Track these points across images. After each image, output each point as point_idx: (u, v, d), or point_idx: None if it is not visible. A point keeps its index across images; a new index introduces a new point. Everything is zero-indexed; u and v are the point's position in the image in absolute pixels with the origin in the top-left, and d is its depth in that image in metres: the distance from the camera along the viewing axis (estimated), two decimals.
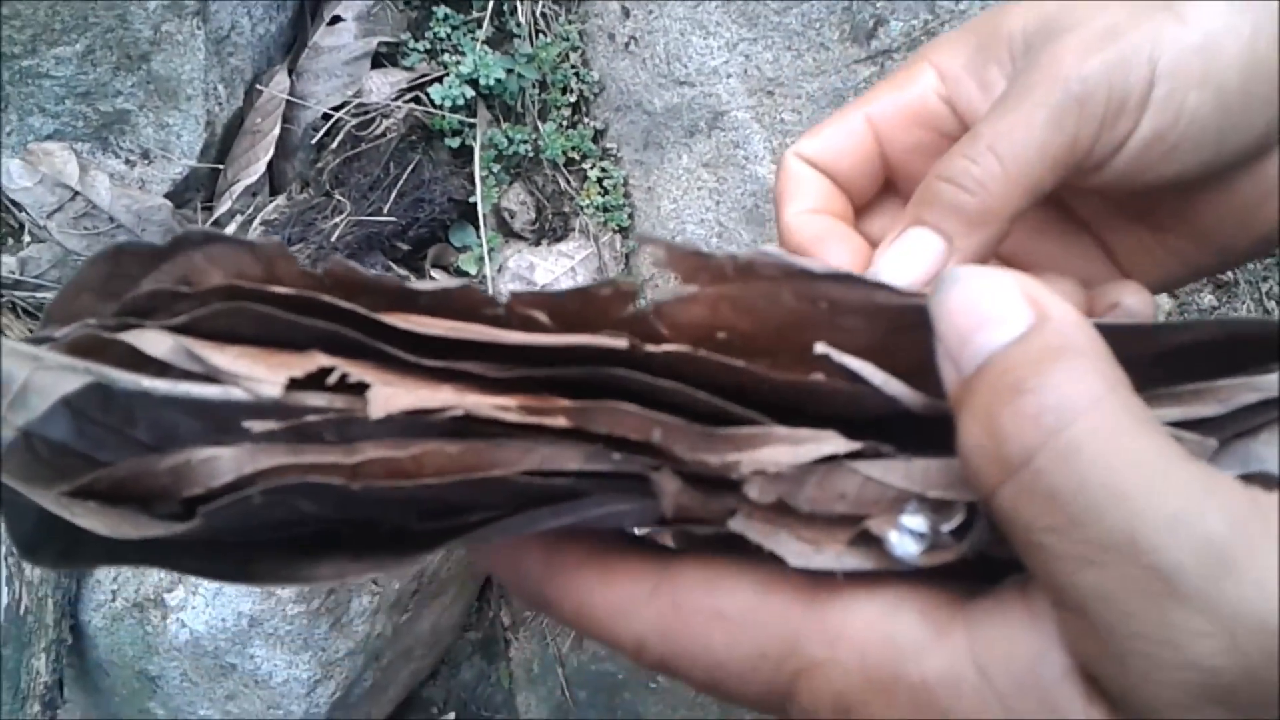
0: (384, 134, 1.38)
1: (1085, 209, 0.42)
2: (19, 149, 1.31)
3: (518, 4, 1.40)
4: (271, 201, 1.38)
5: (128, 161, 1.34)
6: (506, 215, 1.47)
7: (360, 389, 0.22)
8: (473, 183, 1.43)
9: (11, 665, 1.24)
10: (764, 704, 0.25)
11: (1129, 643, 0.19)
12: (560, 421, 0.23)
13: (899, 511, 0.24)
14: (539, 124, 1.45)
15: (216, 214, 1.38)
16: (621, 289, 0.24)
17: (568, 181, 1.47)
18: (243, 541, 0.25)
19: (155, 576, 1.23)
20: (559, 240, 1.49)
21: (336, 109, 1.37)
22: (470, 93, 1.39)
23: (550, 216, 1.49)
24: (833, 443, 0.24)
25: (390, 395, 0.22)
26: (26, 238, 1.30)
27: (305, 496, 0.23)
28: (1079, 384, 0.21)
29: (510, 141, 1.43)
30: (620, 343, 0.24)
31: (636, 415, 0.23)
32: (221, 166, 1.37)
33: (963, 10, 1.22)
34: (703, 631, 0.25)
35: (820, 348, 0.24)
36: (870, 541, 0.24)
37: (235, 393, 0.22)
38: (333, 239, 1.34)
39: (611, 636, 0.26)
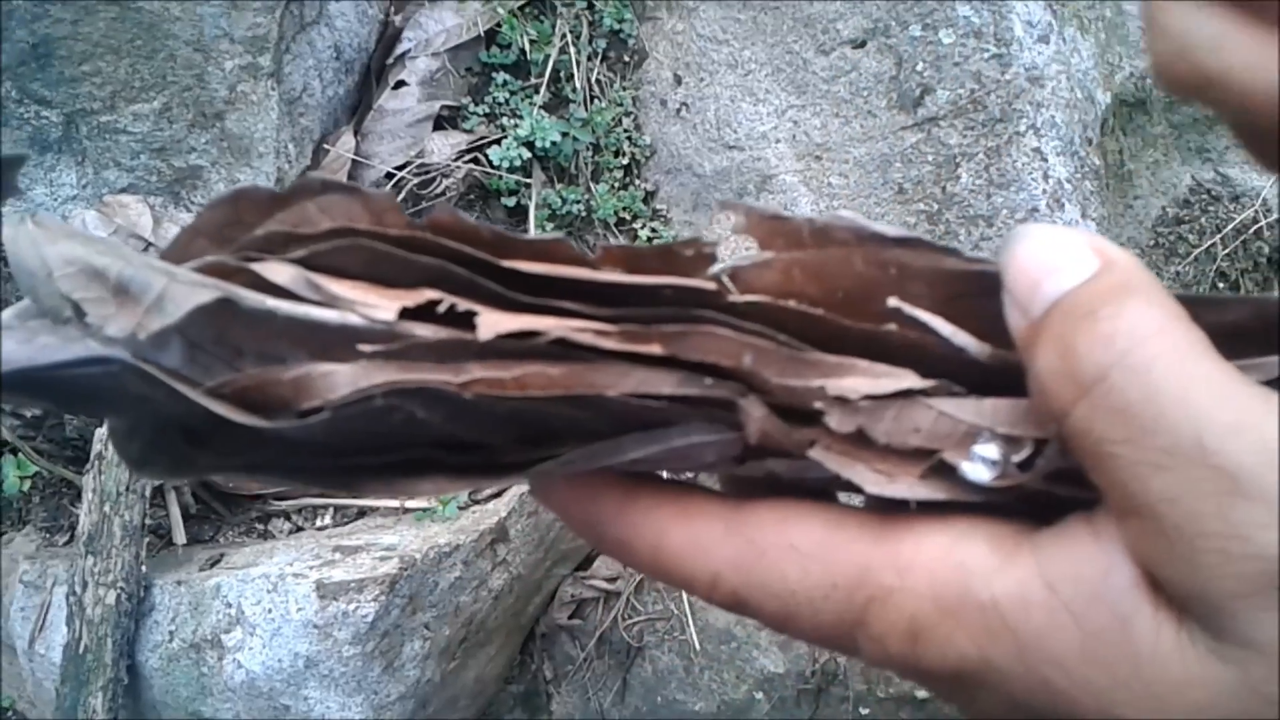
0: (444, 192, 1.43)
1: None
2: (94, 201, 1.36)
3: (574, 70, 1.46)
4: None
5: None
6: None
7: (467, 321, 0.24)
8: None
9: (69, 703, 1.25)
10: (834, 634, 0.26)
11: (1197, 541, 0.21)
12: (656, 349, 0.25)
13: (971, 444, 0.25)
14: (592, 185, 1.50)
15: None
16: (702, 250, 0.26)
17: (612, 235, 1.52)
18: (347, 465, 0.27)
19: (214, 617, 1.25)
20: None
21: (400, 168, 1.43)
22: (527, 154, 1.45)
23: None
24: (910, 379, 0.25)
25: (497, 319, 0.24)
26: None
27: (421, 403, 0.24)
28: (1147, 313, 0.23)
29: (564, 201, 1.48)
30: (709, 284, 0.25)
31: (730, 339, 0.25)
32: None
33: (1008, 80, 1.27)
34: (777, 564, 0.26)
35: (893, 301, 0.25)
36: (942, 474, 0.25)
37: (351, 318, 0.24)
38: None
39: (686, 573, 0.27)
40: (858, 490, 0.26)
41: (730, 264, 0.26)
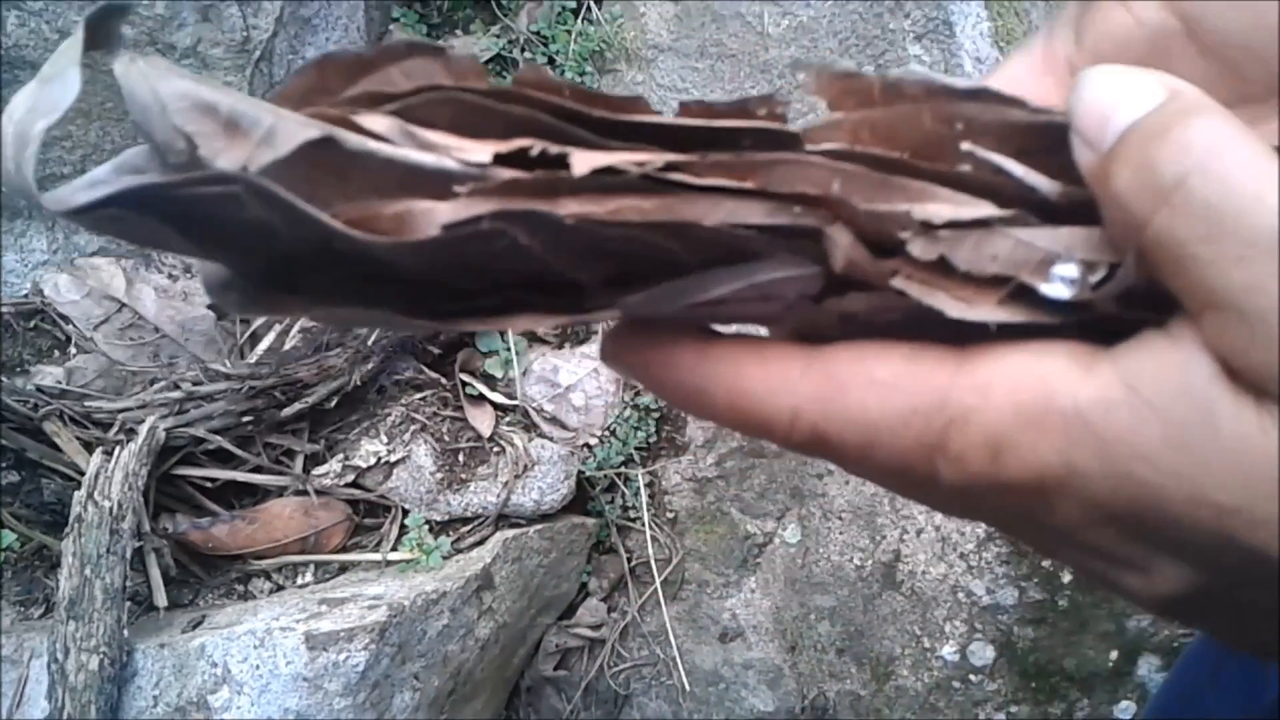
0: None
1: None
2: (65, 265, 1.35)
3: None
4: None
5: (170, 276, 1.39)
6: None
7: (558, 166, 0.25)
8: None
9: None
10: (914, 460, 0.27)
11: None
12: (745, 179, 0.25)
13: (1048, 269, 0.26)
14: None
15: (254, 325, 1.43)
16: (775, 108, 0.26)
17: None
18: (443, 305, 0.27)
19: (199, 678, 1.23)
20: (581, 343, 1.55)
21: None
22: None
23: None
24: (989, 208, 0.26)
25: (591, 156, 0.25)
26: (73, 349, 1.33)
27: (525, 227, 0.25)
28: (1219, 126, 0.24)
29: None
30: (791, 128, 0.26)
31: (819, 165, 0.26)
32: None
33: None
34: (856, 396, 0.27)
35: (966, 145, 0.26)
36: (1020, 299, 0.26)
37: (447, 161, 0.25)
38: (369, 343, 1.38)
39: (765, 413, 0.28)
40: (939, 319, 0.26)
41: (799, 125, 0.27)
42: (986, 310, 0.26)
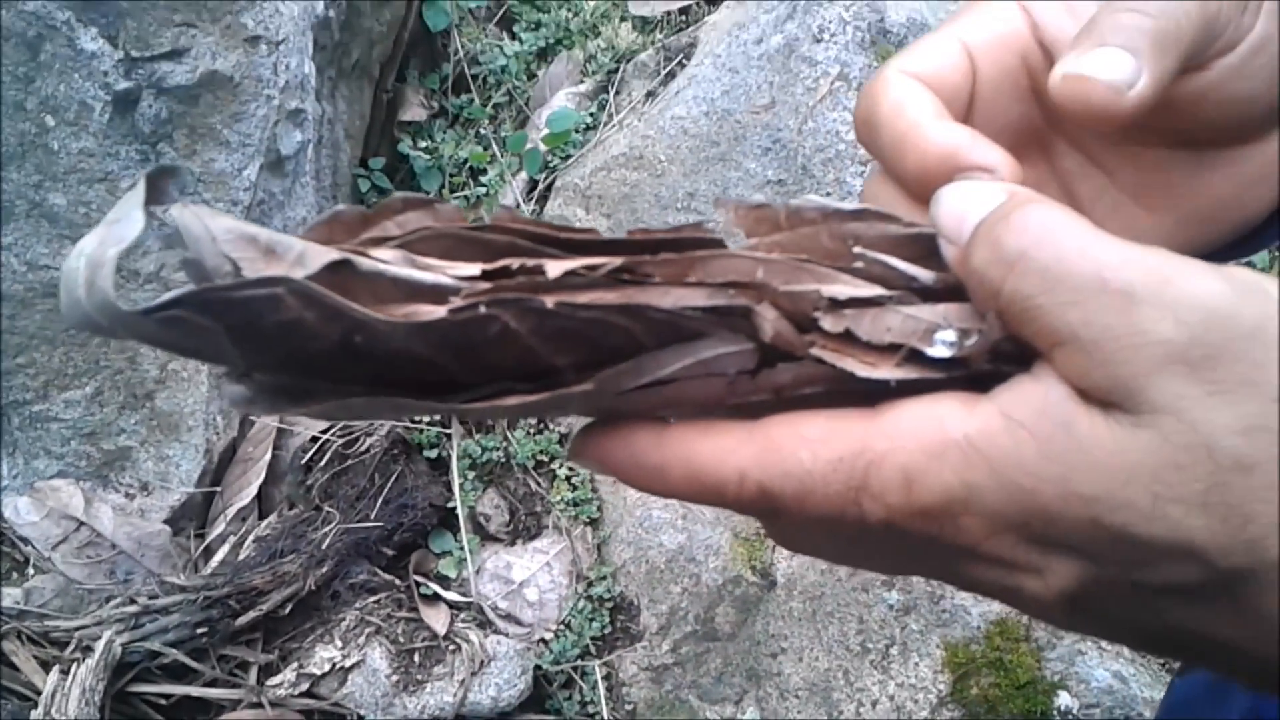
0: (368, 450, 1.50)
1: (1076, 166, 0.46)
2: (25, 489, 1.39)
3: None
4: (263, 521, 1.47)
5: (127, 495, 1.43)
6: (483, 520, 1.57)
7: (537, 274, 0.31)
8: (450, 489, 1.54)
9: None
10: (844, 504, 0.32)
11: (1110, 345, 0.28)
12: (687, 272, 0.31)
13: (932, 335, 0.32)
14: (509, 433, 1.58)
15: (208, 539, 1.46)
16: (701, 230, 0.33)
17: (538, 483, 1.59)
18: (446, 385, 0.32)
19: None
20: (533, 538, 1.58)
21: (324, 431, 1.50)
22: None
23: (524, 517, 1.59)
24: (881, 289, 0.33)
25: (562, 264, 0.31)
26: (31, 570, 1.35)
27: (515, 313, 0.30)
28: (1048, 209, 0.31)
29: (484, 450, 1.56)
30: (717, 237, 0.33)
31: (744, 258, 0.32)
32: (217, 489, 1.46)
33: None
34: (791, 452, 0.32)
35: (858, 249, 0.34)
36: (913, 360, 0.32)
37: (443, 278, 0.30)
38: (323, 547, 1.42)
39: (716, 478, 0.32)
40: (849, 380, 0.32)
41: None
42: (887, 370, 0.32)
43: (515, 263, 0.31)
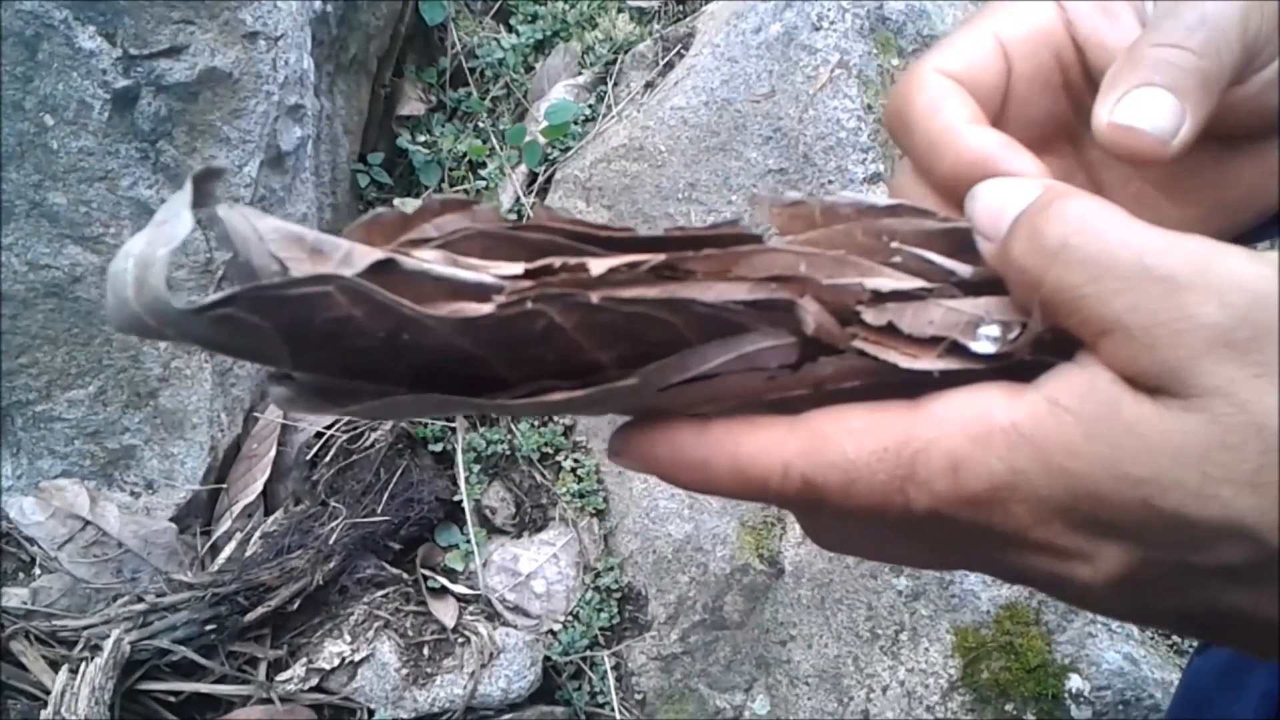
0: (373, 445, 1.50)
1: (1103, 157, 0.45)
2: (30, 490, 1.39)
3: None
4: (269, 517, 1.47)
5: (133, 493, 1.42)
6: (488, 513, 1.57)
7: (580, 271, 0.31)
8: (456, 483, 1.53)
9: None
10: (889, 493, 0.32)
11: (1156, 330, 0.28)
12: (730, 266, 0.32)
13: (975, 329, 0.33)
14: (513, 425, 1.58)
15: (215, 536, 1.46)
16: (739, 228, 0.33)
17: (543, 475, 1.59)
18: (491, 382, 0.32)
19: None
20: (539, 530, 1.58)
21: (328, 427, 1.49)
22: None
23: (529, 509, 1.59)
24: (923, 281, 0.33)
25: (606, 260, 0.31)
26: (37, 570, 1.35)
27: (560, 308, 0.30)
28: (1086, 200, 0.31)
29: (488, 443, 1.56)
30: (753, 230, 0.33)
31: (787, 252, 0.32)
32: (223, 486, 1.46)
33: None
34: (836, 443, 0.32)
35: (894, 244, 0.34)
36: (955, 352, 0.32)
37: (486, 277, 0.30)
38: (330, 542, 1.42)
39: (761, 472, 0.33)
40: (891, 373, 0.33)
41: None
42: (929, 362, 0.33)
43: (557, 261, 0.31)
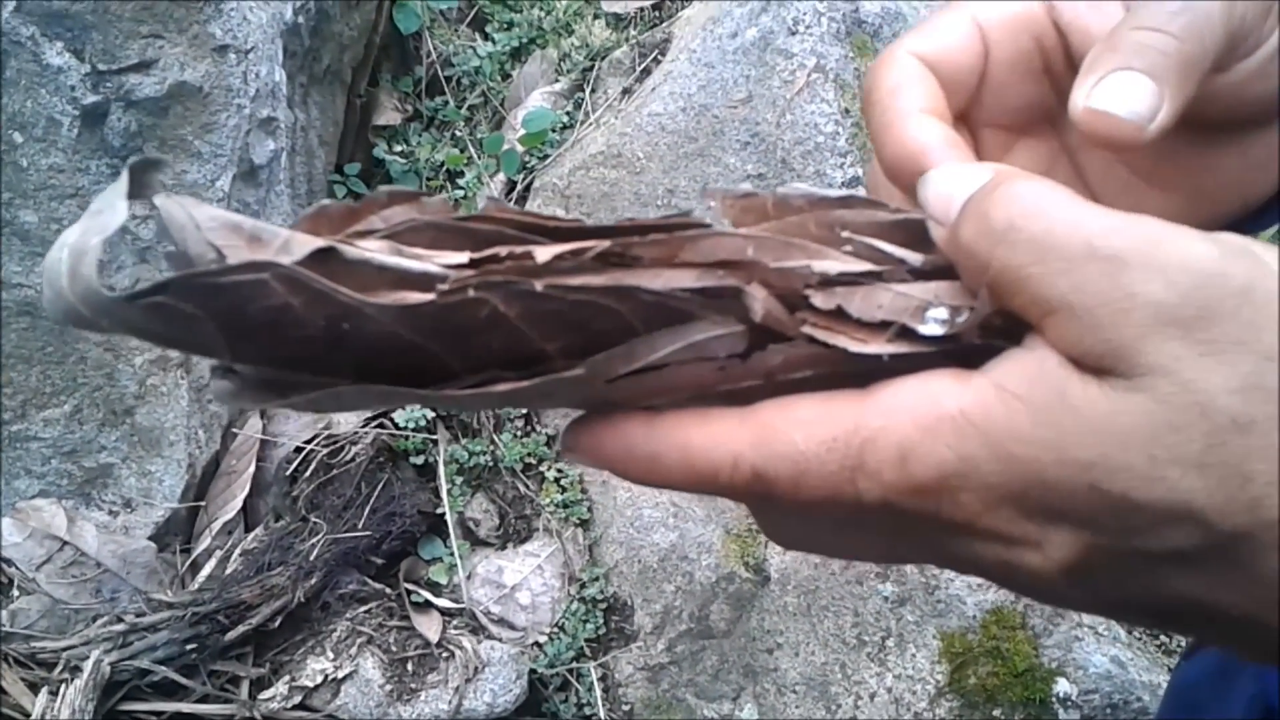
0: (353, 459, 1.48)
1: (1085, 144, 0.45)
2: (7, 510, 1.37)
3: None
4: (249, 534, 1.45)
5: (111, 512, 1.41)
6: (472, 525, 1.56)
7: (526, 258, 0.30)
8: (438, 495, 1.52)
9: None
10: (839, 484, 0.31)
11: (1101, 310, 0.28)
12: (678, 252, 0.31)
13: (923, 312, 0.32)
14: (495, 436, 1.57)
15: (194, 554, 1.44)
16: (690, 218, 0.32)
17: (526, 486, 1.58)
18: (436, 376, 0.32)
19: None
20: (524, 541, 1.57)
21: (308, 442, 1.48)
22: (430, 414, 1.52)
23: (513, 520, 1.58)
24: (870, 265, 0.33)
25: (552, 248, 0.30)
26: (15, 591, 1.34)
27: (503, 296, 0.30)
28: (1033, 182, 0.31)
29: (470, 455, 1.55)
30: (704, 220, 0.32)
31: (734, 235, 0.32)
32: (202, 504, 1.45)
33: None
34: (785, 434, 0.32)
35: (845, 234, 0.33)
36: (905, 336, 0.32)
37: (431, 266, 0.30)
38: (311, 558, 1.40)
39: (711, 464, 0.32)
40: (841, 360, 0.32)
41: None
42: (879, 346, 0.32)
43: (504, 250, 0.30)
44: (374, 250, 0.30)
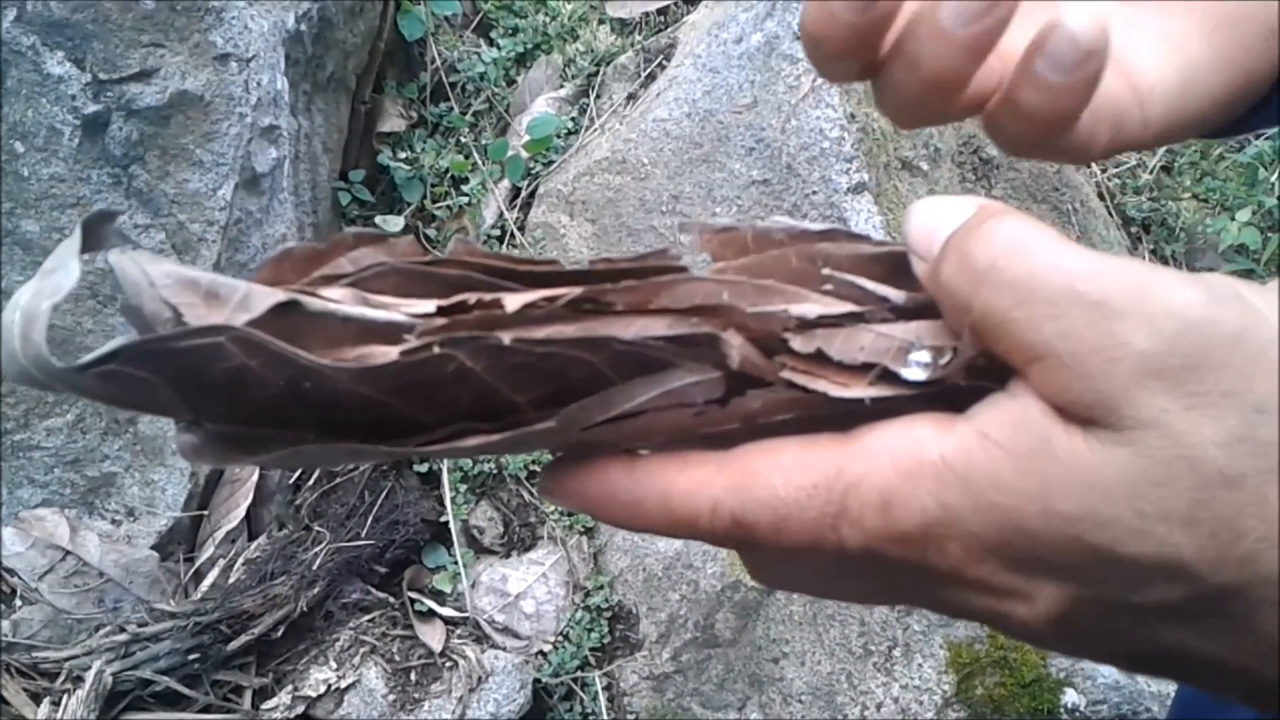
0: (357, 467, 1.48)
1: None
2: (10, 519, 1.37)
3: None
4: (252, 543, 1.45)
5: (114, 521, 1.41)
6: (476, 533, 1.55)
7: (495, 307, 0.29)
8: (442, 503, 1.52)
9: None
10: (821, 530, 0.31)
11: (1088, 358, 0.27)
12: (650, 299, 0.30)
13: (906, 354, 0.31)
14: None
15: (198, 563, 1.44)
16: (667, 259, 0.32)
17: (531, 493, 1.57)
18: (404, 430, 0.31)
19: None
20: (528, 550, 1.57)
21: None
22: None
23: (518, 528, 1.57)
24: (851, 306, 0.32)
25: (520, 296, 0.29)
26: (18, 601, 1.34)
27: (469, 352, 0.29)
28: (1017, 221, 0.30)
29: (474, 462, 1.54)
30: (680, 258, 0.31)
31: (708, 280, 0.31)
32: (205, 513, 1.44)
33: None
34: (765, 479, 0.31)
35: (826, 271, 0.32)
36: (886, 379, 0.31)
37: (397, 315, 0.29)
38: (314, 567, 1.40)
39: (691, 510, 0.32)
40: (822, 404, 0.31)
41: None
42: (860, 389, 0.31)
43: (472, 297, 0.29)
44: (338, 301, 0.29)
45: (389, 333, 0.29)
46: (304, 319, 0.28)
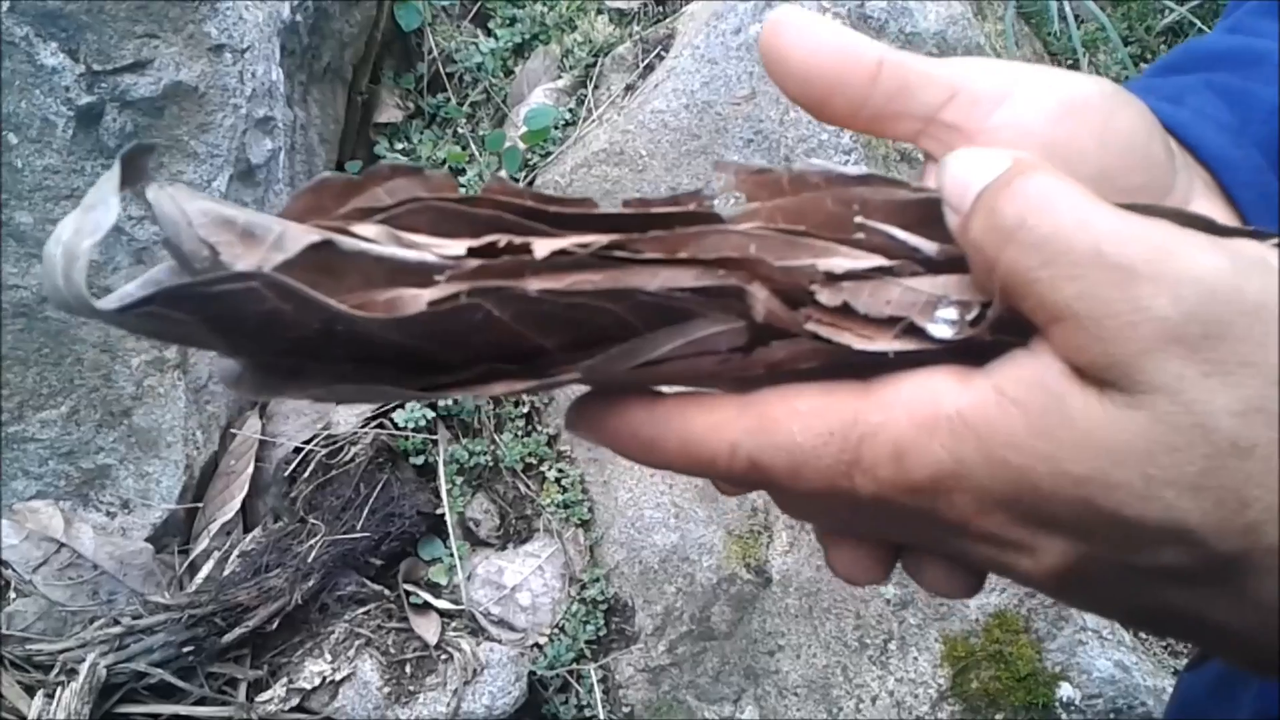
0: (353, 459, 1.48)
1: None
2: (4, 512, 1.37)
3: None
4: (247, 535, 1.45)
5: (108, 513, 1.41)
6: (472, 525, 1.55)
7: (524, 252, 0.29)
8: (438, 495, 1.51)
9: None
10: (835, 478, 0.31)
11: (1108, 321, 0.27)
12: (678, 253, 0.30)
13: (933, 309, 0.31)
14: (496, 436, 1.56)
15: (192, 555, 1.44)
16: (702, 200, 0.32)
17: (527, 486, 1.57)
18: (431, 375, 0.32)
19: None
20: (524, 542, 1.56)
21: (307, 442, 1.48)
22: (430, 414, 1.51)
23: (514, 521, 1.57)
24: (880, 259, 0.32)
25: (549, 242, 0.29)
26: (12, 594, 1.34)
27: (496, 301, 0.29)
28: (1048, 177, 0.30)
29: (470, 455, 1.54)
30: (714, 211, 0.31)
31: (736, 233, 0.31)
32: (200, 505, 1.44)
33: None
34: (784, 424, 0.31)
35: (859, 219, 0.32)
36: (912, 334, 0.31)
37: (428, 255, 0.29)
38: (309, 560, 1.40)
39: (709, 451, 0.32)
40: (847, 358, 0.31)
41: (723, 212, 0.32)
42: (884, 343, 0.31)
43: (502, 240, 0.30)
44: (370, 239, 0.29)
45: (421, 273, 0.29)
46: (338, 257, 0.29)
